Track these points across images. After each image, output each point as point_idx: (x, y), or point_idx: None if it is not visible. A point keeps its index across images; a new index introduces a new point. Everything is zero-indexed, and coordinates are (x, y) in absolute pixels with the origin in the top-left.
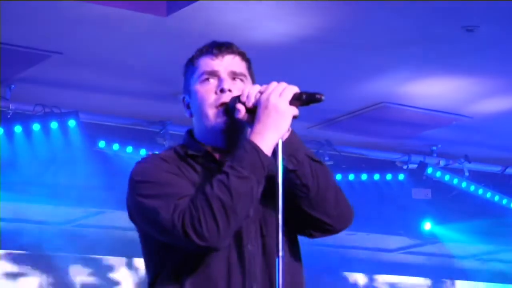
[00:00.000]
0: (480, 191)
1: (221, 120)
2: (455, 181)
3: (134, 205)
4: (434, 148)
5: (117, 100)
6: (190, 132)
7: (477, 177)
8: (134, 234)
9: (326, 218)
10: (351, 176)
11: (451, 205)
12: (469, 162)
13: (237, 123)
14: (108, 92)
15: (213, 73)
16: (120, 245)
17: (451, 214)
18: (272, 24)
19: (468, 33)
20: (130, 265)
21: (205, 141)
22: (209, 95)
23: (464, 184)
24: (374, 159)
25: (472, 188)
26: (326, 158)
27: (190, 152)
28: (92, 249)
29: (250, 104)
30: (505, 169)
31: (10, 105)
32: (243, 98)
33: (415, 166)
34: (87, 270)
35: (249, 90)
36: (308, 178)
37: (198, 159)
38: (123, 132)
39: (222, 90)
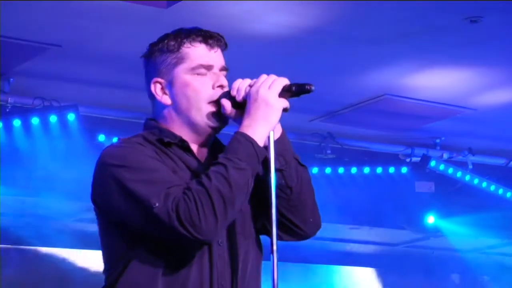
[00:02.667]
0: (484, 184)
1: (216, 117)
2: (459, 174)
3: (112, 191)
4: (438, 140)
5: (116, 93)
6: (154, 120)
7: (481, 170)
8: None
9: (302, 224)
10: (354, 169)
11: (454, 198)
12: (473, 155)
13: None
14: (108, 85)
15: (210, 68)
16: None
17: (455, 207)
18: (272, 16)
19: (472, 24)
20: None
21: (179, 132)
22: (205, 89)
23: (467, 177)
24: (377, 152)
25: (476, 181)
26: (328, 151)
27: (166, 139)
28: (92, 243)
29: (240, 97)
30: (509, 162)
31: (9, 98)
32: (233, 92)
33: (418, 159)
34: (87, 264)
35: (239, 84)
36: (293, 180)
37: (171, 147)
38: (123, 125)
39: (222, 86)
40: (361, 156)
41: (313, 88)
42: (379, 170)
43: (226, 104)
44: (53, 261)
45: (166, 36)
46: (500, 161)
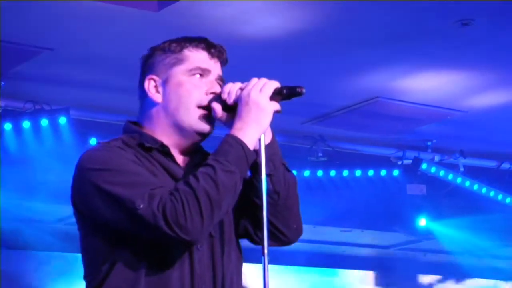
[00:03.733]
0: (475, 187)
1: (204, 121)
2: (450, 176)
3: (95, 195)
4: (429, 143)
5: (108, 97)
6: (136, 124)
7: (472, 172)
8: None
9: (285, 229)
10: (345, 172)
11: (446, 200)
12: (464, 157)
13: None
14: (99, 88)
15: (206, 72)
16: None
17: (446, 209)
18: (265, 18)
19: (463, 27)
20: None
21: (163, 135)
22: (197, 92)
23: (459, 180)
24: (368, 155)
25: (467, 183)
26: (320, 154)
27: (147, 144)
28: None
29: (231, 101)
30: (500, 164)
31: (0, 102)
32: (224, 96)
33: (409, 161)
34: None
35: (230, 87)
36: (281, 185)
37: (151, 152)
38: (114, 128)
39: (215, 94)
40: (353, 159)
41: (304, 91)
42: (370, 172)
43: (217, 107)
44: (45, 263)
45: (169, 40)
46: (491, 164)
